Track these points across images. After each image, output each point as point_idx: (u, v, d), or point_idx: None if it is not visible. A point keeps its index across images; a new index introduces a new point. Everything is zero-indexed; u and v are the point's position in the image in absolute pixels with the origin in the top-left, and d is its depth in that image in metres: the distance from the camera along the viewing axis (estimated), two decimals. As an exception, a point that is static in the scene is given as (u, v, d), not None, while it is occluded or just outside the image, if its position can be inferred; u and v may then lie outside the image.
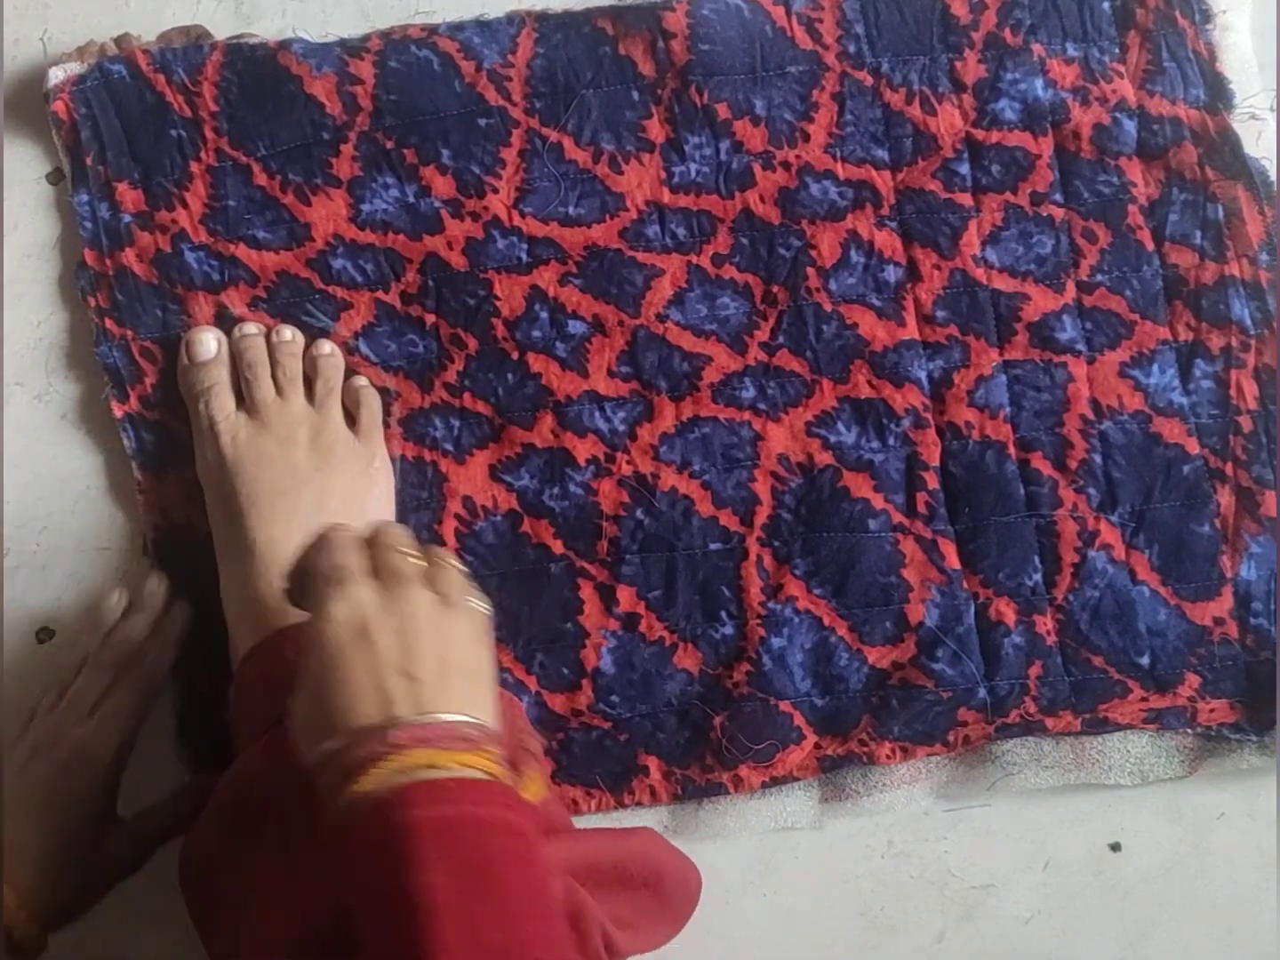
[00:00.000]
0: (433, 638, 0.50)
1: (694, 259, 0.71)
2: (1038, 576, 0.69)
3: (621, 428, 0.70)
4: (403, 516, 0.68)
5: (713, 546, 0.69)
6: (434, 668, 0.49)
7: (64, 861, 0.57)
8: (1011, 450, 0.70)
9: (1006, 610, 0.68)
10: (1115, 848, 0.69)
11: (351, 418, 0.68)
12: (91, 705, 0.62)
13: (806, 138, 0.71)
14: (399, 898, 0.43)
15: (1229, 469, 0.69)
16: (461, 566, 0.54)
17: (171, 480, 0.69)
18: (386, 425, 0.69)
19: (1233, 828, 0.69)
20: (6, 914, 0.53)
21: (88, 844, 0.58)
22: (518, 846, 0.46)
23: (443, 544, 0.68)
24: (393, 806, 0.44)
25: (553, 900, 0.46)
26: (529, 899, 0.45)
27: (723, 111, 0.71)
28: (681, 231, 0.71)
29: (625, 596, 0.68)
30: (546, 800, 0.54)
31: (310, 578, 0.52)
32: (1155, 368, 0.70)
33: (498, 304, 0.70)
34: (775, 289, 0.71)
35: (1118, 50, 0.72)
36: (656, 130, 0.71)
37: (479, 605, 0.53)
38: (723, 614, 0.69)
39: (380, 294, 0.70)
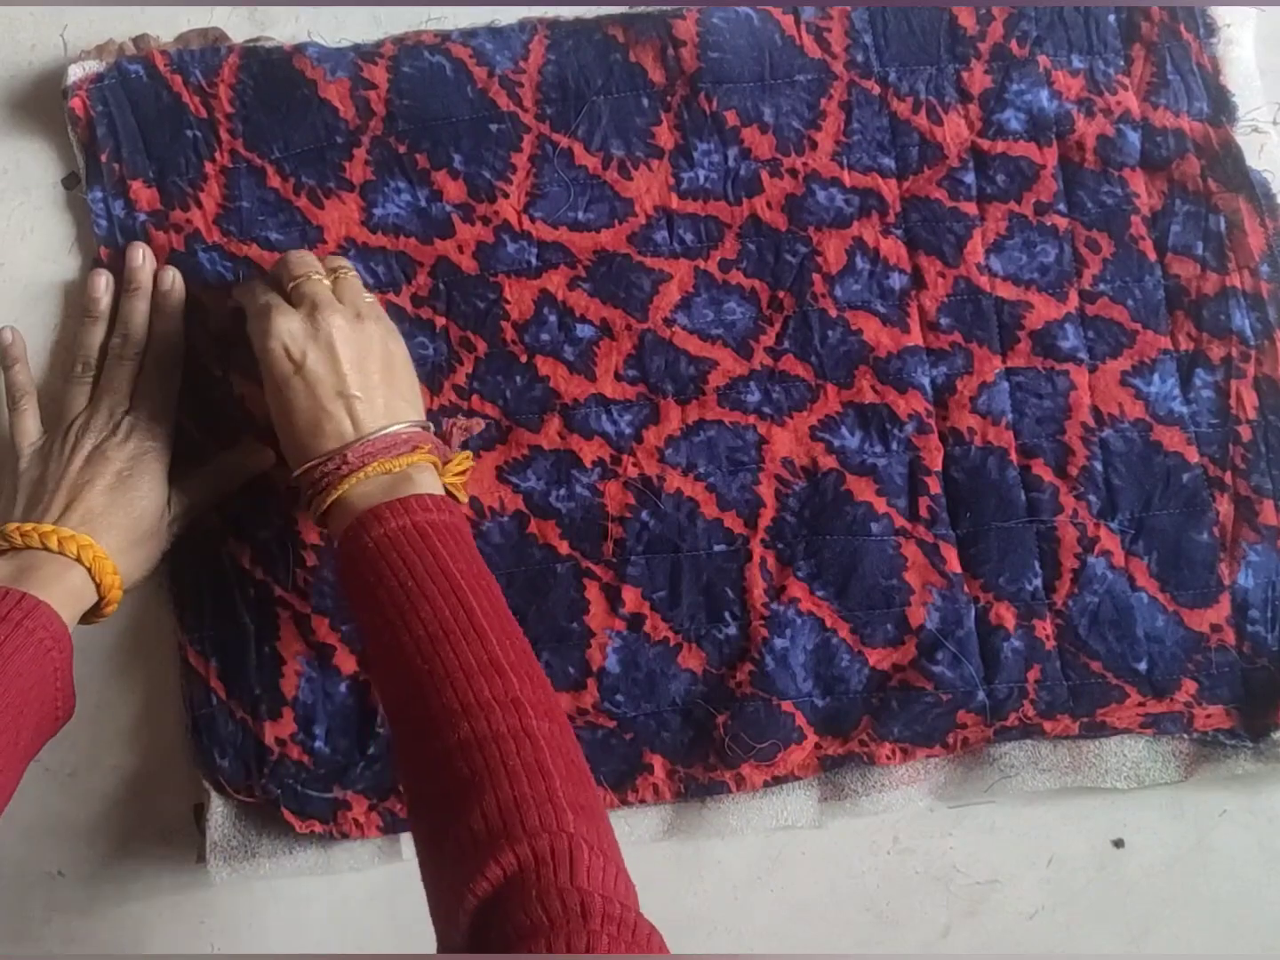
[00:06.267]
0: (355, 354, 0.60)
1: (701, 264, 0.71)
2: (1038, 581, 0.69)
3: (628, 430, 0.70)
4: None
5: (717, 548, 0.70)
6: (362, 382, 0.60)
7: (139, 536, 0.64)
8: (1013, 456, 0.70)
9: (1006, 614, 0.69)
10: (1118, 844, 0.70)
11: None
12: (129, 391, 0.66)
13: (814, 145, 0.72)
14: (389, 588, 0.55)
15: (1228, 477, 0.70)
16: (352, 267, 0.66)
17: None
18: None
19: (1234, 824, 0.70)
20: (103, 572, 0.60)
21: (155, 519, 0.64)
22: (458, 541, 0.58)
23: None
24: (363, 525, 0.57)
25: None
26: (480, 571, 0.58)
27: (731, 119, 0.71)
28: (689, 237, 0.71)
29: (630, 597, 0.69)
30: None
31: (244, 317, 0.62)
32: (1156, 377, 0.71)
33: (507, 307, 0.71)
34: (781, 295, 0.71)
35: (1123, 63, 0.73)
36: (666, 137, 0.72)
37: (376, 302, 0.64)
38: (726, 615, 0.69)
39: (391, 296, 0.70)
